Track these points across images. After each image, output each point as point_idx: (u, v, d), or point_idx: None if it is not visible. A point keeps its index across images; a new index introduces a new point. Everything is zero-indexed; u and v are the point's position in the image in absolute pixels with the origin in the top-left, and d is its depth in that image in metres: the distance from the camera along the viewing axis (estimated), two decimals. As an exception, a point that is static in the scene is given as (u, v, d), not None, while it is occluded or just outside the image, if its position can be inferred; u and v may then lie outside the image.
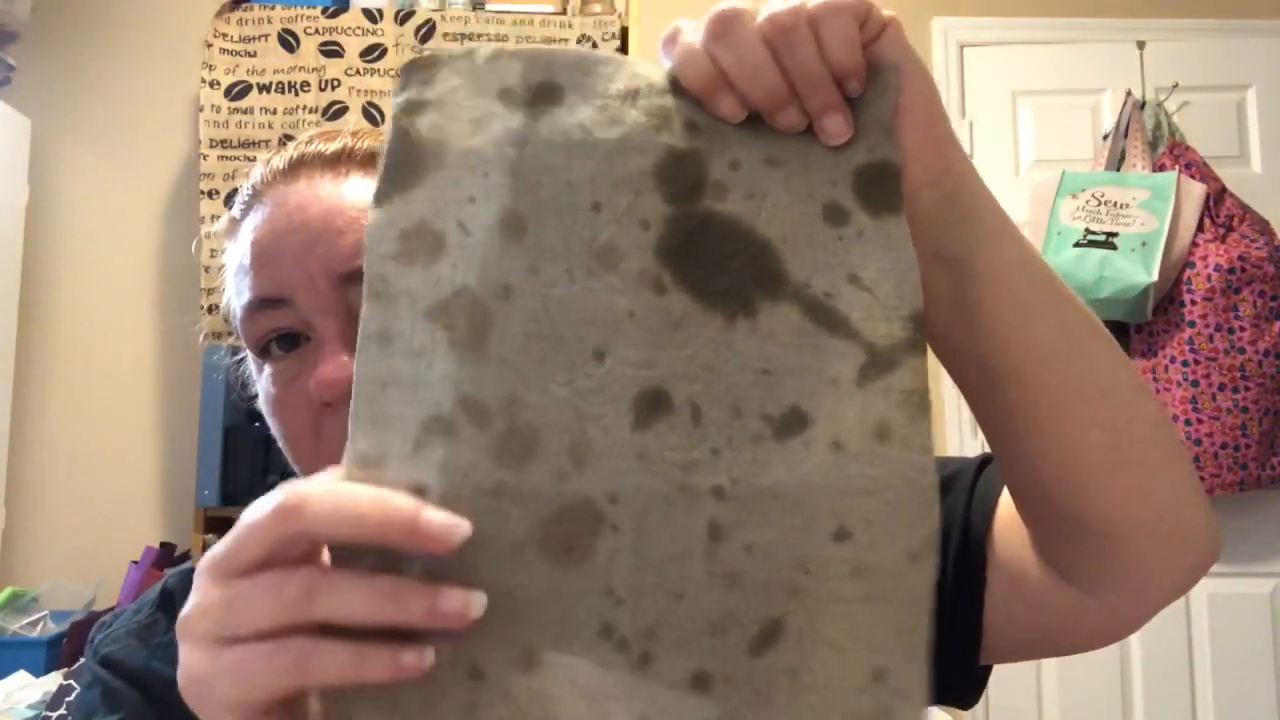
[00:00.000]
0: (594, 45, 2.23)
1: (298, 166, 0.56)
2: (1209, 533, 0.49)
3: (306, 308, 0.52)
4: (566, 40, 2.23)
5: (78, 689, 0.60)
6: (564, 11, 2.30)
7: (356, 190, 0.55)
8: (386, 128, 0.38)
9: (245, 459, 2.09)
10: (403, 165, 0.37)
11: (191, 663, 0.34)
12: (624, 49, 2.27)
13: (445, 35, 2.21)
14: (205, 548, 2.10)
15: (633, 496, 0.35)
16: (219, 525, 2.16)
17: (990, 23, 2.50)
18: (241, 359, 0.60)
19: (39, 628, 1.99)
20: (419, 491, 0.34)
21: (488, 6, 2.29)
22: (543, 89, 0.39)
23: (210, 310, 2.05)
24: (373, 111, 2.19)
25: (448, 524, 0.32)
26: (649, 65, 0.40)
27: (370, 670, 0.32)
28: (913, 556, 0.36)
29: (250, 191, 0.58)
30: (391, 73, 2.20)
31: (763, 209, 0.38)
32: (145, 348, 2.40)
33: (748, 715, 0.35)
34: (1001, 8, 2.51)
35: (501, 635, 0.34)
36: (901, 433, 0.36)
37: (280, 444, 0.56)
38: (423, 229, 0.37)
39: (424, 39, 2.21)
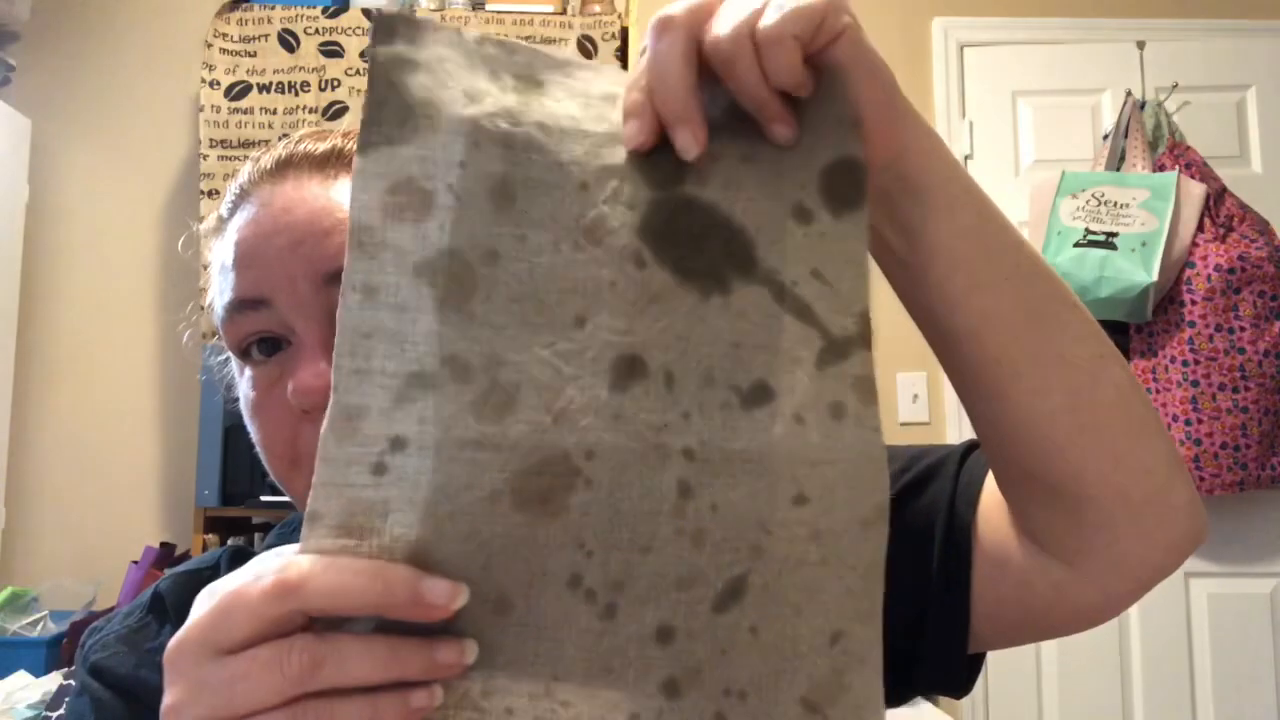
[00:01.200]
0: (594, 45, 2.23)
1: (285, 167, 0.55)
2: (1189, 508, 0.49)
3: (287, 309, 0.51)
4: (566, 40, 2.23)
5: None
6: (564, 11, 2.30)
7: (344, 193, 0.53)
8: (371, 73, 0.38)
9: (245, 459, 2.08)
10: (393, 118, 0.38)
11: None
12: (624, 49, 2.27)
13: (445, 35, 2.21)
14: (205, 548, 2.10)
15: (608, 453, 0.36)
16: (219, 525, 2.16)
17: (990, 23, 2.50)
18: (227, 359, 0.59)
19: (39, 628, 1.99)
20: (398, 444, 0.35)
21: (488, 6, 2.29)
22: (530, 81, 0.41)
23: (206, 309, 2.03)
24: (373, 111, 2.19)
25: (448, 591, 0.34)
26: (623, 74, 0.42)
27: (385, 718, 0.33)
28: (865, 523, 0.38)
29: (238, 191, 0.57)
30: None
31: (739, 200, 0.39)
32: (145, 348, 2.41)
33: (707, 669, 0.36)
34: (1001, 8, 2.51)
35: (476, 582, 0.35)
36: (855, 412, 0.38)
37: (258, 449, 0.55)
38: (411, 185, 0.37)
39: (424, 39, 2.21)
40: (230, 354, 0.56)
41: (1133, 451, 0.48)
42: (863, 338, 0.39)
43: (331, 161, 0.55)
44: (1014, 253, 0.47)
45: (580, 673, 0.36)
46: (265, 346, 0.53)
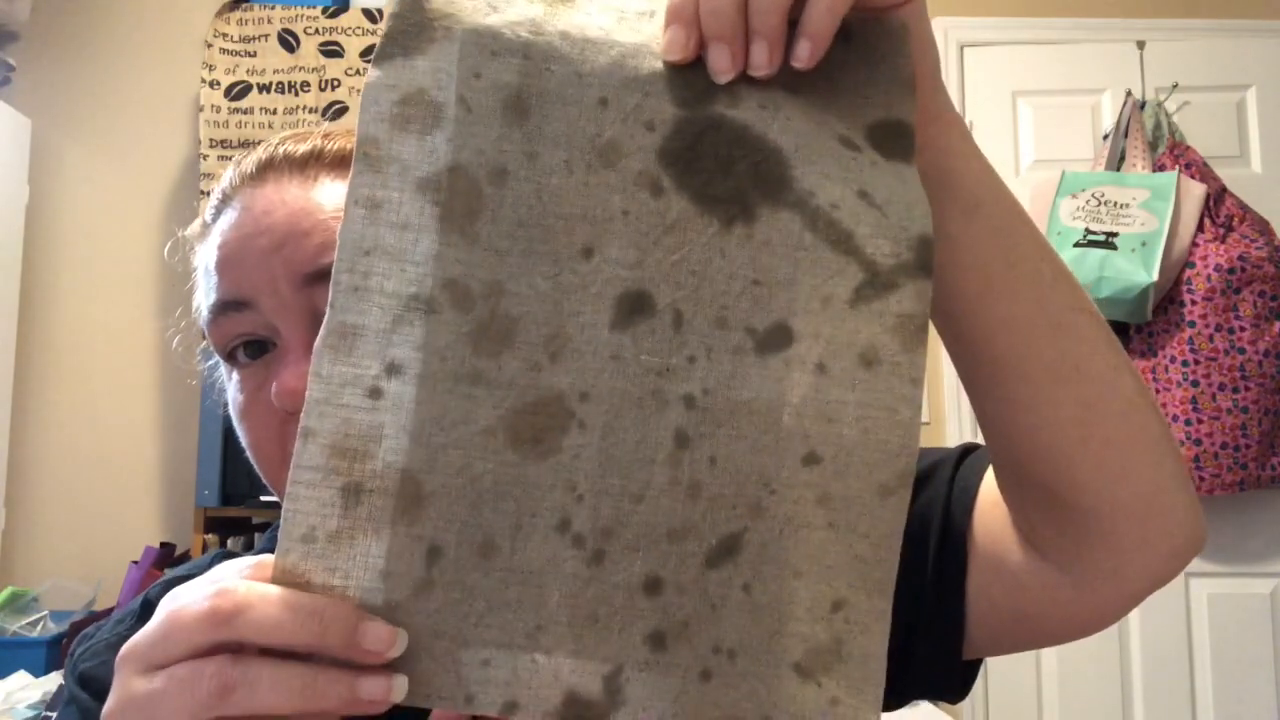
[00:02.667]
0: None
1: (266, 170, 0.55)
2: (1190, 520, 0.48)
3: (269, 311, 0.51)
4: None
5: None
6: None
7: (325, 194, 0.54)
8: None
9: (245, 459, 2.07)
10: (410, 31, 0.36)
11: None
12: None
13: (445, 35, 2.21)
14: (205, 548, 2.10)
15: (603, 396, 0.35)
16: (219, 525, 2.16)
17: (990, 23, 2.50)
18: (218, 362, 0.60)
19: (39, 628, 1.99)
20: (394, 369, 0.34)
21: (488, 6, 2.29)
22: None
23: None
24: (373, 111, 2.19)
25: (386, 637, 0.33)
26: None
27: None
28: (884, 490, 0.35)
29: (220, 195, 0.57)
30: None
31: (776, 119, 0.37)
32: (145, 348, 2.41)
33: (695, 624, 0.35)
34: (1001, 8, 2.51)
35: (463, 519, 0.34)
36: (891, 360, 0.35)
37: (247, 452, 0.55)
38: (421, 97, 0.36)
39: (424, 39, 2.21)
40: (218, 357, 0.56)
41: (1139, 465, 0.47)
42: (919, 265, 0.36)
43: (311, 163, 0.55)
44: (1037, 259, 0.46)
45: (564, 620, 0.35)
46: (251, 349, 0.53)
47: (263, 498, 2.09)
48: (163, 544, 2.20)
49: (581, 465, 0.35)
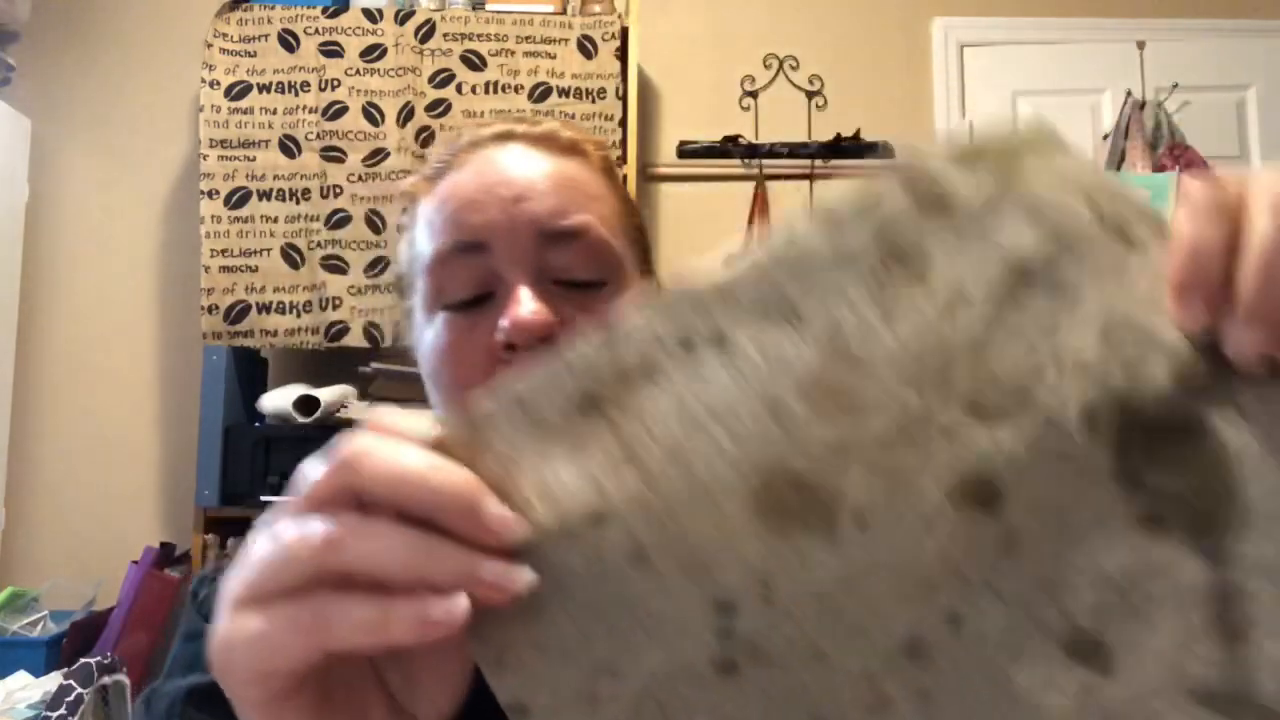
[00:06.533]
0: (594, 46, 2.23)
1: (505, 138, 0.59)
2: None
3: (501, 255, 0.54)
4: (566, 40, 2.23)
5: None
6: (564, 11, 2.30)
7: (562, 166, 0.57)
8: None
9: (245, 459, 2.08)
10: None
11: (219, 627, 0.30)
12: (624, 49, 2.27)
13: (445, 35, 2.21)
14: (205, 548, 2.10)
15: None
16: (219, 525, 2.16)
17: (990, 23, 2.50)
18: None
19: (39, 628, 1.99)
20: None
21: (487, 6, 2.29)
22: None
23: (210, 310, 2.05)
24: (372, 111, 2.19)
25: (506, 521, 0.29)
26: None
27: (395, 628, 0.28)
28: None
29: (450, 154, 0.60)
30: (392, 72, 2.20)
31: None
32: (145, 348, 2.41)
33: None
34: (1001, 8, 2.51)
35: None
36: None
37: (435, 395, 0.56)
38: None
39: (424, 39, 2.21)
40: (417, 304, 0.58)
41: None
42: None
43: (546, 140, 0.59)
44: None
45: None
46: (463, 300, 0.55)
47: (263, 498, 2.09)
48: (163, 544, 2.20)
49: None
